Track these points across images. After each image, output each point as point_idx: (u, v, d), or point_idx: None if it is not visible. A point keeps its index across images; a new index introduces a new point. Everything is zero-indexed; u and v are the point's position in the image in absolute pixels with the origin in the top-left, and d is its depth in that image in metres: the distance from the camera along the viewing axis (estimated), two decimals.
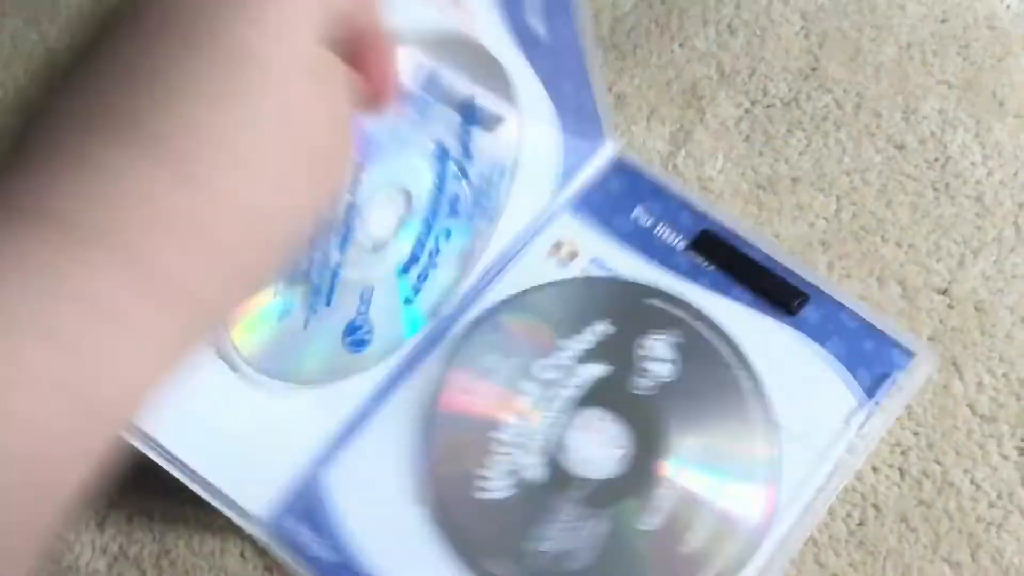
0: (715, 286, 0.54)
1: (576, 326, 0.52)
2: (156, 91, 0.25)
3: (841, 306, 0.54)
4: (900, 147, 0.59)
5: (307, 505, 0.48)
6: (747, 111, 0.61)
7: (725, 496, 0.49)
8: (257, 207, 0.26)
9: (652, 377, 0.51)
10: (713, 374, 0.52)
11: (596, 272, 0.54)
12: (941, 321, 0.55)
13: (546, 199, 0.56)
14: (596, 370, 0.52)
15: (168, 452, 0.43)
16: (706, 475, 0.49)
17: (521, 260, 0.55)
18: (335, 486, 0.49)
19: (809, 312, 0.53)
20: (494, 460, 0.50)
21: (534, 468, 0.49)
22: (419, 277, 0.52)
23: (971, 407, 0.53)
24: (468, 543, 0.48)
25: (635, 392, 0.51)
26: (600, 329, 0.52)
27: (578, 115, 0.54)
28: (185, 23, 0.25)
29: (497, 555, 0.48)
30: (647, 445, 0.50)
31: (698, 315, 0.53)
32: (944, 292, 0.56)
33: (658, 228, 0.56)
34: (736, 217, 0.57)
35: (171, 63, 0.25)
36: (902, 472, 0.52)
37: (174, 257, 0.25)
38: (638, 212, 0.56)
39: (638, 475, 0.49)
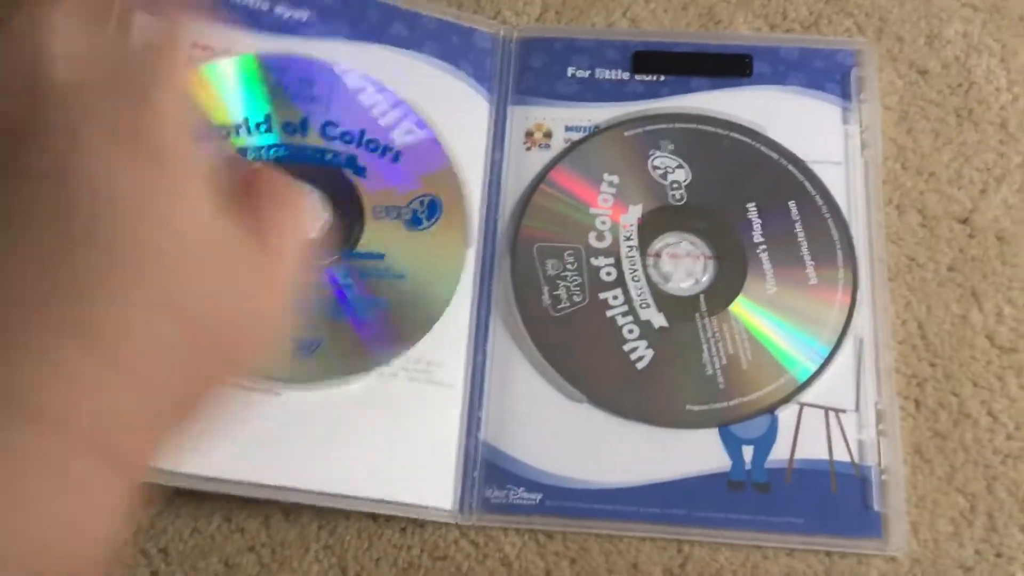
0: (677, 89, 0.58)
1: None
2: (74, 284, 0.27)
3: (778, 47, 0.58)
4: (923, 72, 0.58)
5: (490, 465, 0.51)
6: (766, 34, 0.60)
7: None
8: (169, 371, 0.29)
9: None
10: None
11: (577, 136, 0.57)
12: (961, 250, 0.54)
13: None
14: None
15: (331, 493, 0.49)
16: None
17: (508, 171, 0.57)
18: (500, 438, 0.51)
19: (760, 67, 0.58)
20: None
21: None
22: None
23: (990, 338, 0.53)
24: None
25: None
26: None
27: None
28: (95, 225, 0.28)
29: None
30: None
31: (693, 116, 0.57)
32: (965, 221, 0.55)
33: (597, 73, 0.58)
34: (651, 29, 0.60)
35: (83, 260, 0.27)
36: (918, 403, 0.52)
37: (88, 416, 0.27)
38: (571, 71, 0.58)
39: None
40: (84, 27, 0.30)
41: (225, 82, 0.54)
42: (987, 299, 0.53)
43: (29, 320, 0.26)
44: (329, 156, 0.54)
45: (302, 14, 0.57)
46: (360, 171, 0.54)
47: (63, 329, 0.26)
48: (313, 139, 0.54)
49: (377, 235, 0.53)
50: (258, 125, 0.54)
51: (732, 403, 0.50)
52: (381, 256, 0.53)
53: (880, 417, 0.50)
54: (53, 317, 0.26)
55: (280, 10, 0.57)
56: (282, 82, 0.55)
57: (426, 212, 0.54)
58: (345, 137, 0.55)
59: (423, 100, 0.56)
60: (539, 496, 0.49)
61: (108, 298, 0.27)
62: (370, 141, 0.55)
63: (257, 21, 0.56)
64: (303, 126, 0.54)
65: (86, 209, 0.27)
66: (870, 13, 0.59)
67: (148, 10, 0.32)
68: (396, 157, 0.55)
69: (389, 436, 0.50)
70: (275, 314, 0.32)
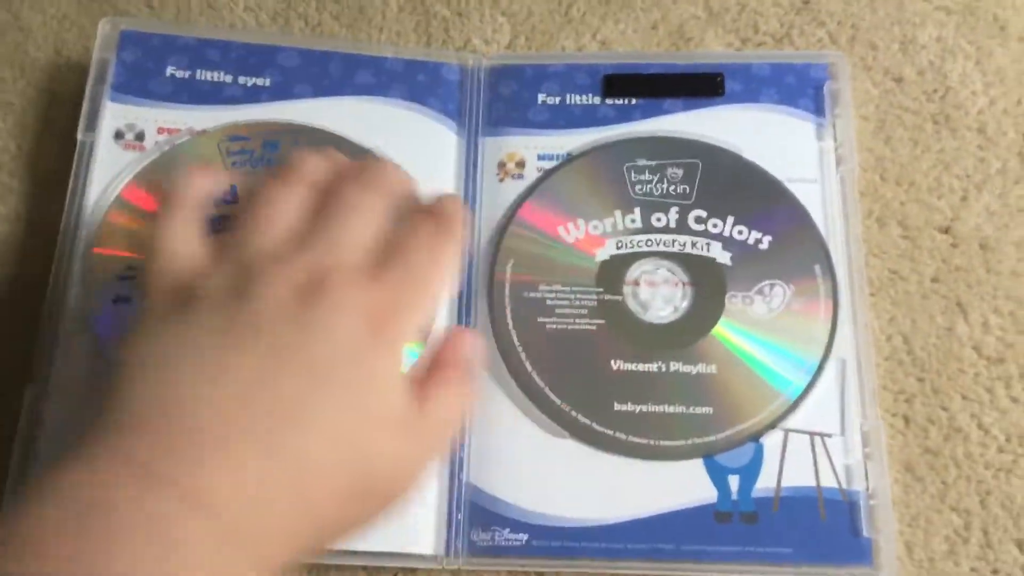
0: (649, 112, 0.58)
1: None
2: (273, 411, 0.34)
3: (749, 65, 0.59)
4: (898, 80, 0.59)
5: (474, 507, 0.51)
6: (737, 51, 0.60)
7: None
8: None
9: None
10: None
11: (550, 165, 0.57)
12: (944, 260, 0.55)
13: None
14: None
15: None
16: None
17: (482, 204, 0.57)
18: (483, 478, 0.52)
19: (732, 86, 0.58)
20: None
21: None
22: None
23: (977, 349, 0.53)
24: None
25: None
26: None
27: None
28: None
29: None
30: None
31: (666, 140, 0.57)
32: (947, 231, 0.55)
33: (568, 99, 0.58)
34: (621, 51, 0.61)
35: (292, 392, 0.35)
36: (907, 420, 0.52)
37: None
38: (542, 97, 0.58)
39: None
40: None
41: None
42: (972, 309, 0.54)
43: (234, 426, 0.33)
44: None
45: (264, 81, 0.57)
46: None
47: (255, 444, 0.33)
48: None
49: None
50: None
51: (717, 433, 0.51)
52: None
53: (866, 440, 0.50)
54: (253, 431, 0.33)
55: (243, 80, 0.57)
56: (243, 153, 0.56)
57: None
58: None
59: (390, 144, 0.56)
60: (525, 536, 0.50)
61: (303, 430, 0.34)
62: None
63: (220, 94, 0.57)
64: None
65: (324, 364, 0.35)
66: (842, 21, 0.60)
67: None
68: None
69: None
70: (421, 469, 0.39)
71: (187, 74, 0.57)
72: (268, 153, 0.56)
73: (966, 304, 0.54)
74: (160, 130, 0.55)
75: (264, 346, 0.34)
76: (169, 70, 0.57)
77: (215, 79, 0.57)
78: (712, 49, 0.60)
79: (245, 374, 0.34)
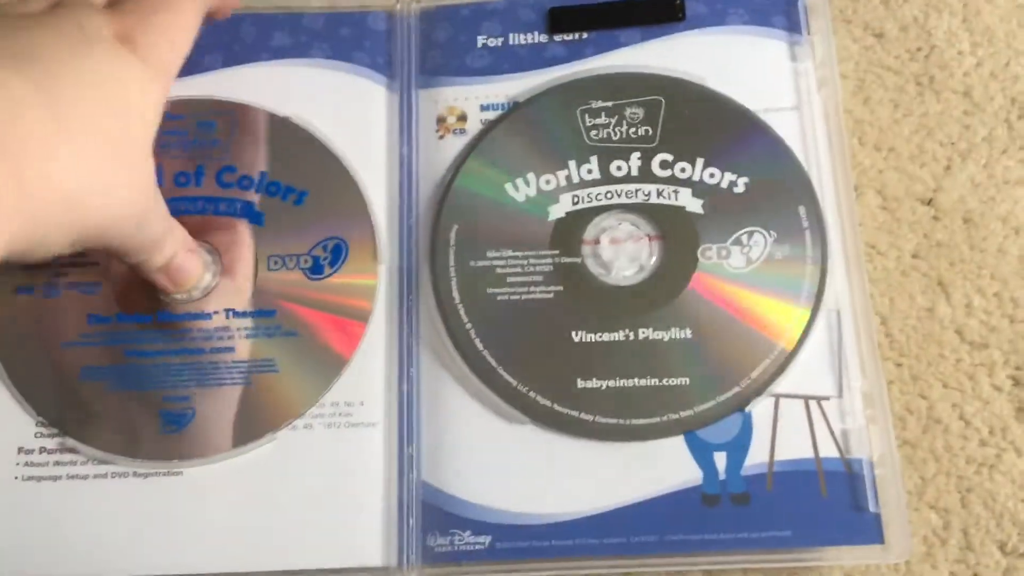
0: (603, 47, 0.63)
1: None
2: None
3: None
4: (879, 35, 0.65)
5: (428, 509, 0.55)
6: None
7: None
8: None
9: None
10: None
11: (495, 114, 0.62)
12: (925, 235, 0.61)
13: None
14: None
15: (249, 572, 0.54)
16: None
17: (420, 165, 0.61)
18: (436, 475, 0.55)
19: (694, 8, 0.63)
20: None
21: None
22: None
23: (959, 333, 0.59)
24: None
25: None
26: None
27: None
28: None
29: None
30: None
31: (623, 76, 0.62)
32: (929, 202, 0.62)
33: (511, 39, 0.63)
34: None
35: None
36: None
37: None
38: (481, 40, 0.63)
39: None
40: None
41: None
42: (955, 289, 0.59)
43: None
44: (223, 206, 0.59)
45: None
46: (258, 219, 0.59)
47: None
48: (209, 189, 0.59)
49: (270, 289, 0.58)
50: None
51: (697, 406, 0.55)
52: (271, 313, 0.57)
53: (868, 401, 0.54)
54: None
55: None
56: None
57: (330, 258, 0.58)
58: (243, 183, 0.59)
59: (314, 111, 0.61)
60: (488, 539, 0.53)
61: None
62: (271, 184, 0.59)
63: None
64: (197, 175, 0.60)
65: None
66: None
67: None
68: (300, 198, 0.59)
69: (309, 496, 0.55)
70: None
71: None
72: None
73: (948, 283, 0.59)
74: None
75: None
76: None
77: None
78: None
79: None
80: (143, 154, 0.46)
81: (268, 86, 0.61)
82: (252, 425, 0.55)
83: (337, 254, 0.58)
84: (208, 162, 0.60)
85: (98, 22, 0.46)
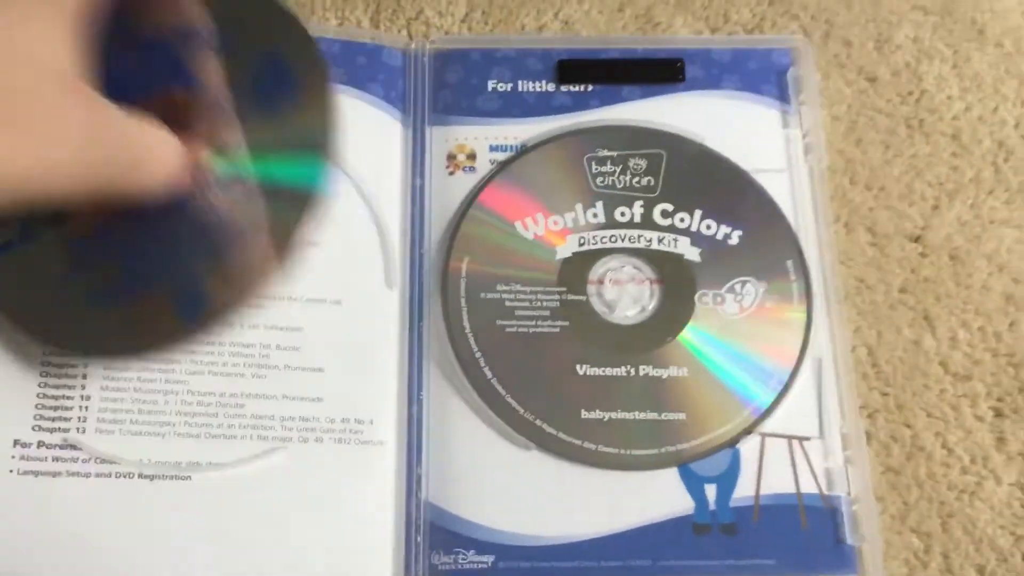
0: (607, 99, 0.67)
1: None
2: None
3: (709, 50, 0.68)
4: (872, 79, 0.69)
5: (434, 528, 0.57)
6: (697, 35, 0.69)
7: None
8: None
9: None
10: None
11: (503, 156, 0.65)
12: (913, 271, 0.64)
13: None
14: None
15: None
16: None
17: (431, 198, 0.64)
18: (443, 495, 0.58)
19: (692, 71, 0.67)
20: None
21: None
22: None
23: (944, 365, 0.62)
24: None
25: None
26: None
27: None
28: None
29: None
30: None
31: (626, 129, 0.66)
32: (917, 239, 0.64)
33: (520, 85, 0.66)
34: (575, 36, 0.69)
35: None
36: (868, 436, 0.60)
37: None
38: (492, 84, 0.66)
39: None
40: None
41: None
42: (940, 323, 0.62)
43: None
44: None
45: None
46: None
47: None
48: None
49: None
50: None
51: (691, 440, 0.58)
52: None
53: (846, 442, 0.59)
54: None
55: None
56: None
57: None
58: None
59: None
60: (491, 558, 0.56)
61: None
62: None
63: None
64: None
65: None
66: (816, 16, 0.70)
67: None
68: None
69: (319, 511, 0.57)
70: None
71: None
72: None
73: (934, 317, 0.62)
74: None
75: None
76: None
77: None
78: (679, 35, 0.69)
79: None
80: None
81: None
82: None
83: None
84: None
85: None
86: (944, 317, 0.63)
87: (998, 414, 0.61)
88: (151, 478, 0.56)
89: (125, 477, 0.56)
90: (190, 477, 0.56)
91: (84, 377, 0.57)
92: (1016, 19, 0.71)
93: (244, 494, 0.56)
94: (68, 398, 0.56)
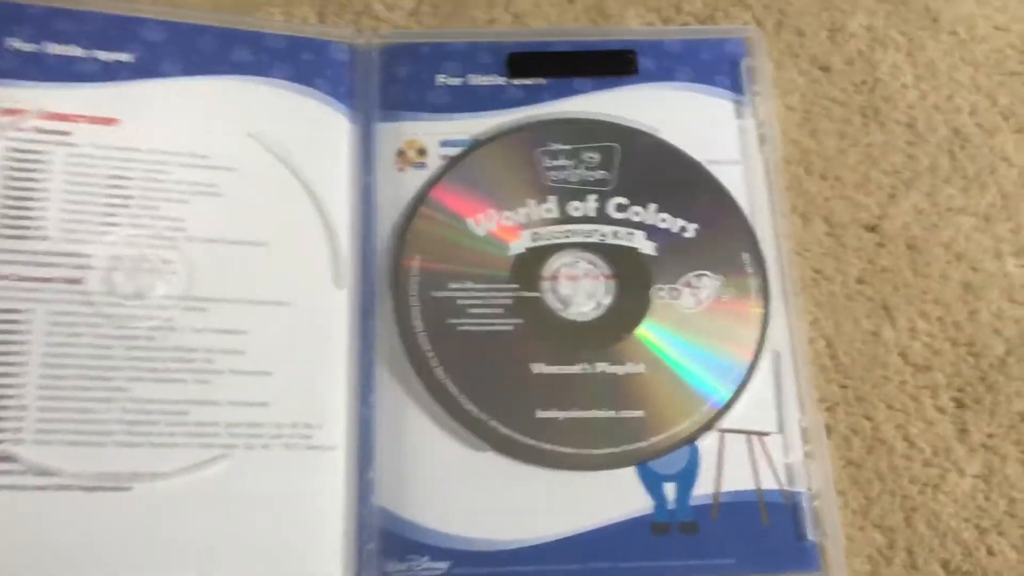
0: (559, 93, 0.66)
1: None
2: None
3: (662, 41, 0.67)
4: (825, 69, 0.69)
5: (387, 534, 0.56)
6: (650, 26, 0.69)
7: None
8: None
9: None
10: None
11: (454, 152, 0.64)
12: (870, 261, 0.63)
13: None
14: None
15: None
16: None
17: (381, 196, 0.62)
18: (396, 500, 0.56)
19: (645, 63, 0.66)
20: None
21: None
22: None
23: (903, 356, 0.61)
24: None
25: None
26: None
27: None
28: None
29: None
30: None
31: (580, 121, 0.65)
32: (873, 229, 0.64)
33: (470, 79, 0.65)
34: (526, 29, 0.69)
35: None
36: (828, 429, 0.59)
37: None
38: (441, 79, 0.65)
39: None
40: None
41: None
42: (899, 313, 0.62)
43: None
44: None
45: (125, 56, 0.61)
46: None
47: None
48: None
49: None
50: None
51: (649, 438, 0.57)
52: None
53: (806, 436, 0.58)
54: None
55: (99, 55, 0.61)
56: None
57: None
58: None
59: (273, 132, 0.62)
60: (447, 564, 0.55)
61: None
62: None
63: (72, 71, 0.60)
64: None
65: None
66: (769, 5, 0.70)
67: None
68: None
69: (266, 520, 0.55)
70: None
71: (33, 47, 0.60)
72: None
73: (892, 307, 0.62)
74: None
75: None
76: (12, 43, 0.60)
77: (66, 53, 0.60)
78: (630, 27, 0.68)
79: None
80: None
81: (224, 101, 0.62)
82: None
83: None
84: None
85: None
86: (903, 307, 0.62)
87: (959, 404, 0.60)
88: (91, 490, 0.54)
89: (64, 489, 0.54)
90: (131, 488, 0.54)
91: (20, 387, 0.55)
92: (970, 6, 0.71)
93: (188, 504, 0.54)
94: (3, 408, 0.54)
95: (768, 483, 0.57)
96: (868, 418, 0.60)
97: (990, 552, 0.57)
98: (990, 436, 0.59)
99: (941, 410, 0.60)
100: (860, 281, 0.63)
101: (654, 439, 0.57)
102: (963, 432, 0.60)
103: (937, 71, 0.68)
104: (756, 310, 0.60)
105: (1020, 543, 0.57)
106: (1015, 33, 0.70)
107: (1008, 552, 0.57)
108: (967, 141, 0.66)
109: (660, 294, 0.60)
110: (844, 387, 0.60)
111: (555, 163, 0.63)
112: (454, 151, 0.63)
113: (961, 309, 0.62)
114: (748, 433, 0.58)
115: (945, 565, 0.57)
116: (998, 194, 0.65)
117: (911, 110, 0.67)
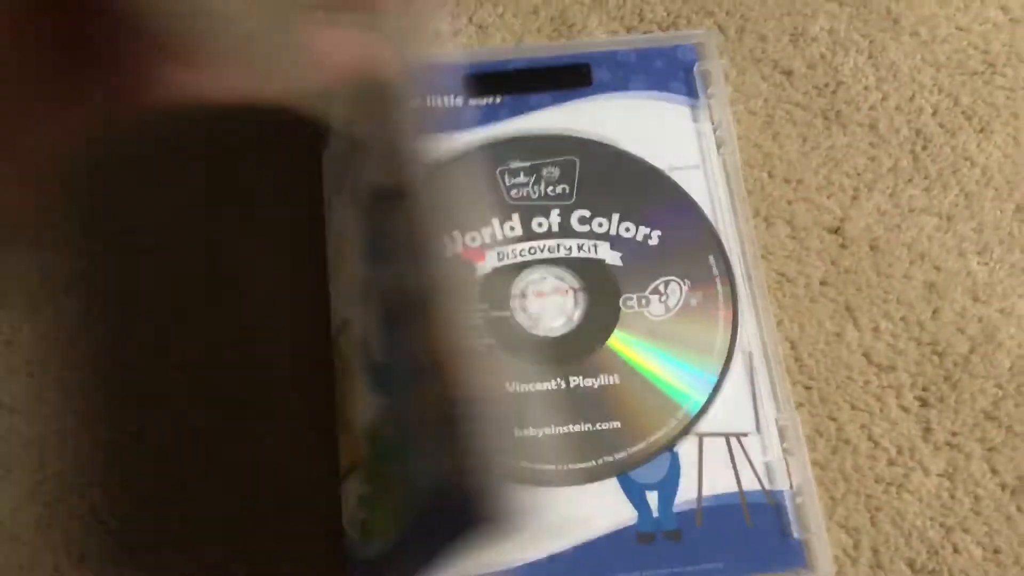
0: (517, 110, 0.66)
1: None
2: None
3: (615, 52, 0.67)
4: (788, 73, 0.69)
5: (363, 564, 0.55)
6: (612, 35, 0.69)
7: None
8: None
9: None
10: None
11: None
12: (833, 262, 0.64)
13: None
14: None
15: None
16: None
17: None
18: None
19: (599, 75, 0.67)
20: None
21: None
22: None
23: (867, 356, 0.62)
24: None
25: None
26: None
27: None
28: None
29: None
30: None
31: (539, 137, 0.65)
32: (836, 231, 0.65)
33: (428, 102, 0.65)
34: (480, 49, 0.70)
35: None
36: None
37: None
38: None
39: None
40: None
41: None
42: (862, 314, 0.63)
43: None
44: None
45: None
46: None
47: None
48: None
49: None
50: None
51: (628, 448, 0.57)
52: None
53: (783, 434, 0.58)
54: None
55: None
56: None
57: None
58: None
59: None
60: None
61: None
62: None
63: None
64: None
65: None
66: (731, 11, 0.70)
67: None
68: None
69: None
70: None
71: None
72: None
73: (855, 308, 0.63)
74: None
75: None
76: None
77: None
78: (595, 37, 0.69)
79: None
80: None
81: None
82: None
83: None
84: None
85: None
86: (866, 308, 0.63)
87: (923, 404, 0.61)
88: None
89: None
90: None
91: None
92: (931, 7, 0.72)
93: None
94: None
95: (749, 484, 0.57)
96: (832, 419, 0.60)
97: (956, 550, 0.57)
98: (954, 435, 0.60)
99: (905, 409, 0.61)
100: (823, 283, 0.63)
101: (632, 449, 0.58)
102: (927, 431, 0.60)
103: (899, 72, 0.69)
104: (725, 312, 0.61)
105: (985, 541, 0.58)
106: (976, 33, 0.71)
107: (973, 550, 0.57)
108: (929, 141, 0.67)
109: (629, 304, 0.61)
110: (808, 388, 0.61)
111: (516, 181, 0.63)
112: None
113: (924, 308, 0.63)
114: (726, 435, 0.58)
115: (911, 564, 0.57)
116: (961, 194, 0.66)
117: (873, 112, 0.68)
